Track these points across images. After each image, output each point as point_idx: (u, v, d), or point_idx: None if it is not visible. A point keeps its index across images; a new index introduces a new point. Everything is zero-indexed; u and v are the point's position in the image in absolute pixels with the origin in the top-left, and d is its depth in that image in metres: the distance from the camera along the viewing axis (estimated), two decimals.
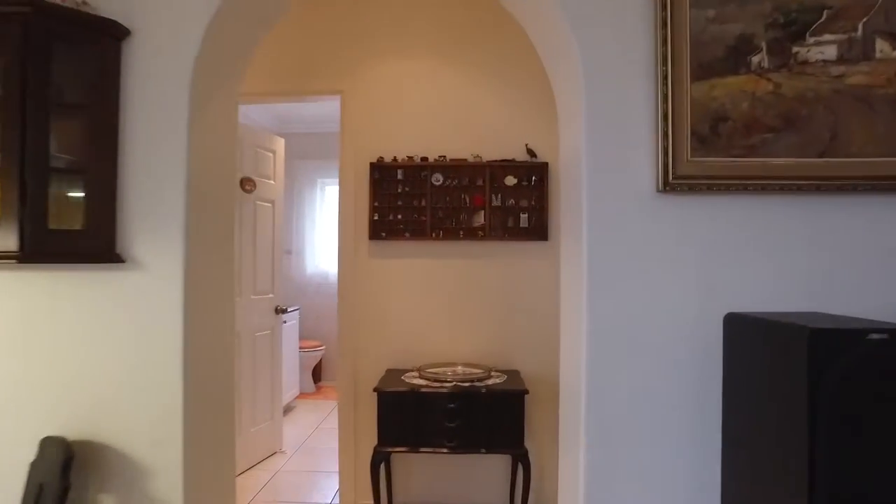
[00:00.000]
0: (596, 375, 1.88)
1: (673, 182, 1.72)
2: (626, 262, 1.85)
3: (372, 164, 3.47)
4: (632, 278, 1.85)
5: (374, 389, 3.02)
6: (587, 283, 1.87)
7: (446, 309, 3.48)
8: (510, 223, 3.43)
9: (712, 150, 1.67)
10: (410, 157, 3.47)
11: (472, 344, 3.46)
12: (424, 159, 3.46)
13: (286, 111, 6.13)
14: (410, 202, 3.46)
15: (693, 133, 1.68)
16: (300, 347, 5.98)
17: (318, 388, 6.49)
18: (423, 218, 3.44)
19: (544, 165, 3.41)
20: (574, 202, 2.02)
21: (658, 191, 1.78)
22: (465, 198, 3.45)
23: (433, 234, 3.43)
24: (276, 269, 4.47)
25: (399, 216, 3.46)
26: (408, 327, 3.50)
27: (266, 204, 4.36)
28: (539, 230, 3.41)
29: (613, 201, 1.86)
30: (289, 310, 5.48)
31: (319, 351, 6.29)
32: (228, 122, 2.34)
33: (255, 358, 4.20)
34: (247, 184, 4.11)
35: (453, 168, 3.45)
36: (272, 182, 4.45)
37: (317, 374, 6.68)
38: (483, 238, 3.41)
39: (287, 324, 5.43)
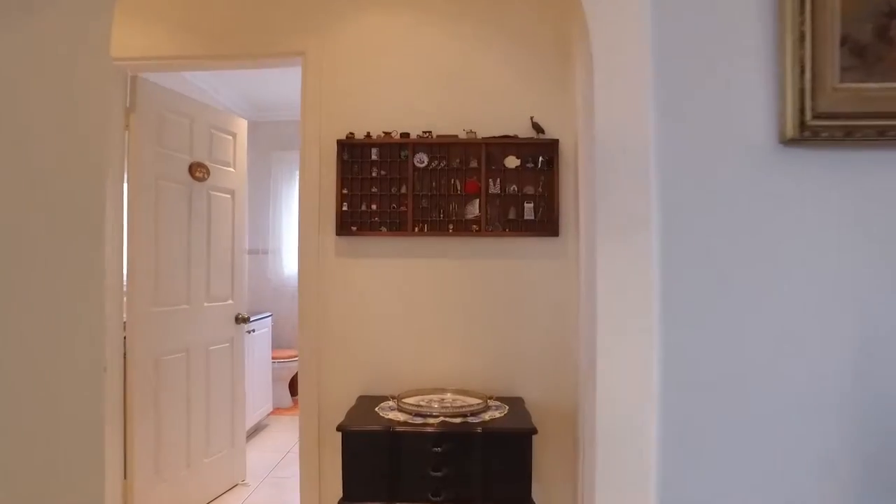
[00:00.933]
0: (671, 454, 1.17)
1: (812, 125, 1.00)
2: (723, 269, 1.16)
3: (340, 143, 2.74)
4: (732, 296, 1.15)
5: (339, 428, 2.30)
6: (660, 304, 1.16)
7: (432, 321, 2.75)
8: (512, 215, 2.70)
9: (877, 69, 0.96)
10: (388, 133, 2.74)
11: (464, 365, 2.74)
12: (405, 136, 2.73)
13: (261, 94, 5.39)
14: (388, 189, 2.72)
15: (845, 41, 0.97)
16: (273, 358, 5.26)
17: (296, 402, 5.76)
18: (404, 208, 2.71)
19: (554, 144, 2.69)
20: (625, 182, 1.29)
21: (782, 142, 1.07)
22: (455, 183, 2.72)
23: (416, 229, 2.70)
24: (236, 271, 3.75)
25: (373, 206, 2.73)
26: (385, 343, 2.77)
27: (223, 195, 3.64)
28: (547, 224, 2.68)
29: (705, 170, 1.16)
30: (256, 318, 4.75)
31: (296, 361, 5.57)
32: (86, 46, 1.50)
33: (208, 376, 3.48)
34: (197, 170, 3.39)
35: (441, 147, 2.72)
36: (231, 170, 3.72)
37: (294, 386, 5.95)
38: (478, 233, 2.68)
39: (255, 333, 4.71)
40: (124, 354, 2.94)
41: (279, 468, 4.13)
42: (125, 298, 2.96)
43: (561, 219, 2.69)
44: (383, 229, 2.71)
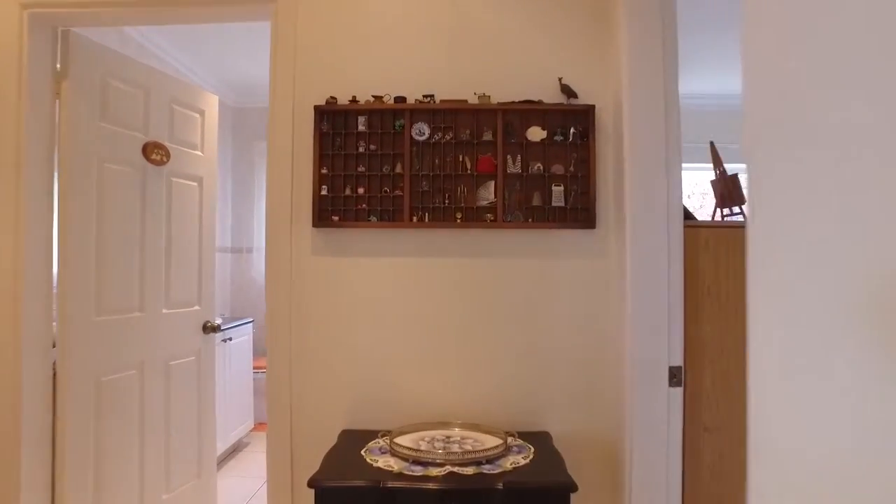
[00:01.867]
0: None
1: None
2: None
3: (319, 109, 2.11)
4: None
5: (311, 483, 1.69)
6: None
7: (435, 335, 2.13)
8: (536, 201, 2.09)
9: None
10: (378, 98, 2.12)
11: (475, 390, 2.12)
12: (400, 101, 2.11)
13: (242, 76, 4.78)
14: (379, 167, 2.10)
15: None
16: (255, 368, 4.65)
17: None
18: (399, 193, 2.09)
19: (588, 111, 2.07)
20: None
21: None
22: (464, 161, 2.10)
23: (414, 219, 2.08)
24: (204, 272, 3.14)
25: (360, 190, 2.11)
26: (375, 363, 2.14)
27: (188, 183, 3.03)
28: (581, 213, 2.06)
29: None
30: (234, 324, 4.15)
31: None
32: None
33: (168, 397, 2.87)
34: (154, 151, 2.78)
35: (446, 115, 2.10)
36: (198, 153, 3.12)
37: None
38: (493, 224, 2.06)
39: (233, 342, 4.10)
40: (55, 373, 2.35)
41: (259, 498, 3.52)
42: (55, 305, 2.36)
43: (599, 206, 2.09)
44: (373, 219, 2.10)
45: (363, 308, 2.15)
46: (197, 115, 3.11)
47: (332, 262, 2.16)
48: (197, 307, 3.07)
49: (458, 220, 2.07)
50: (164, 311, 2.84)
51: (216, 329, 3.13)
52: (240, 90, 5.11)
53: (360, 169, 2.10)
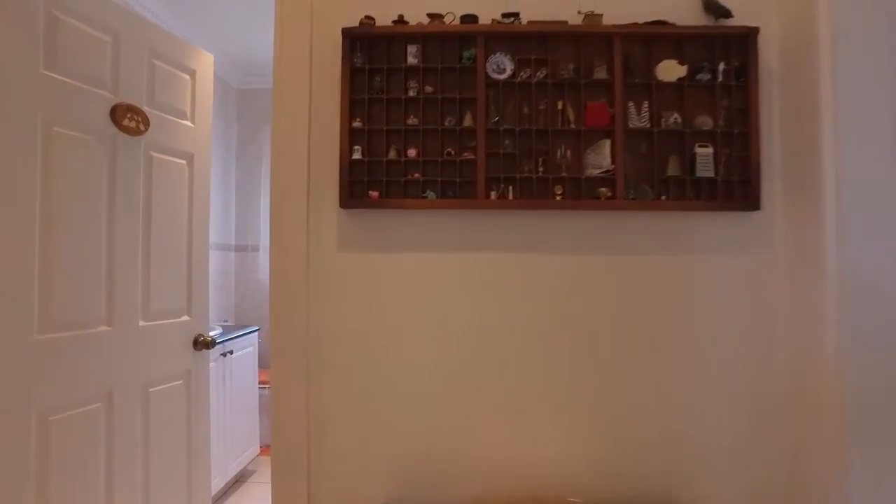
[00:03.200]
0: None
1: None
2: None
3: (349, 34, 1.38)
4: None
5: None
6: None
7: (524, 368, 1.40)
8: (672, 168, 1.35)
9: None
10: (437, 17, 1.39)
11: (580, 449, 1.39)
12: (470, 20, 1.39)
13: (248, 52, 4.08)
14: (439, 119, 1.38)
15: None
16: (260, 383, 3.94)
17: None
18: (470, 156, 1.37)
19: (748, 37, 1.34)
20: None
21: None
22: (565, 110, 1.37)
23: (493, 195, 1.36)
24: (195, 273, 2.44)
25: (411, 152, 1.38)
26: (430, 408, 1.42)
27: (175, 161, 2.34)
28: (740, 186, 1.35)
29: None
30: (238, 334, 3.45)
31: None
32: None
33: (147, 433, 2.17)
34: (126, 116, 2.08)
35: (537, 42, 1.38)
36: (188, 124, 2.41)
37: None
38: (610, 204, 1.34)
39: (235, 355, 3.40)
40: None
41: None
42: None
43: (764, 178, 1.39)
44: (430, 196, 1.38)
45: (414, 328, 1.44)
46: (186, 77, 2.40)
47: (368, 260, 1.45)
48: (186, 317, 2.37)
49: (558, 197, 1.36)
50: (142, 323, 2.14)
51: (210, 344, 2.43)
52: (246, 68, 4.41)
53: (410, 122, 1.39)
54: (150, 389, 2.17)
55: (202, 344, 2.39)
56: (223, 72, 4.31)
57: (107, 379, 1.97)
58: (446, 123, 1.38)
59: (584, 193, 1.36)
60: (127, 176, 2.06)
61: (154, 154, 2.19)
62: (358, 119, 1.39)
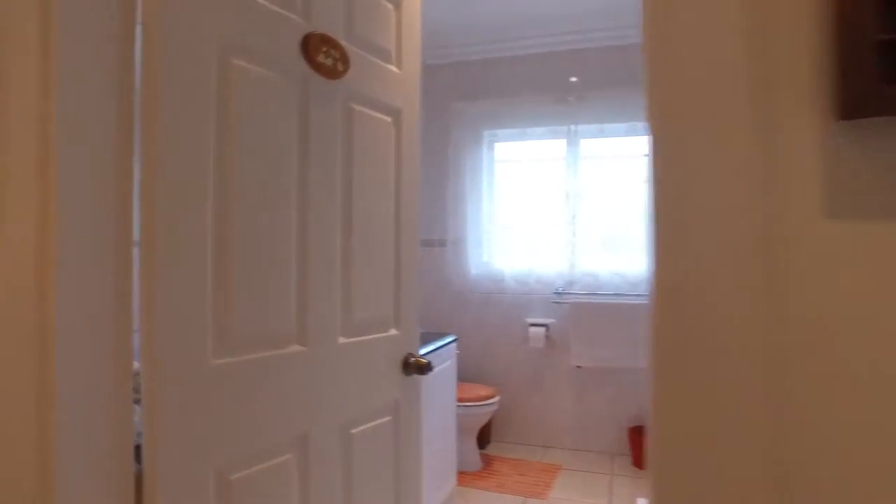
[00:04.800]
0: None
1: None
2: None
3: None
4: None
5: None
6: None
7: None
8: None
9: None
10: None
11: None
12: None
13: (430, 20, 3.48)
14: None
15: None
16: (459, 401, 3.31)
17: (487, 463, 3.76)
18: None
19: None
20: None
21: None
22: None
23: None
24: (404, 270, 1.80)
25: None
26: None
27: (379, 117, 1.71)
28: None
29: None
30: (434, 346, 2.81)
31: (490, 405, 3.56)
32: None
33: (350, 490, 1.56)
34: (321, 49, 1.48)
35: None
36: (394, 70, 1.78)
37: (484, 438, 3.98)
38: None
39: (434, 371, 2.77)
40: (140, 471, 1.10)
41: None
42: (139, 337, 1.12)
43: None
44: None
45: None
46: (390, 6, 1.76)
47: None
48: (393, 330, 1.72)
49: None
50: (341, 340, 1.52)
51: (425, 368, 1.75)
52: (428, 41, 3.83)
53: None
54: (352, 430, 1.54)
55: (414, 367, 1.72)
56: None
57: (299, 417, 1.34)
58: None
59: None
60: (322, 135, 1.43)
61: (354, 106, 1.55)
62: None
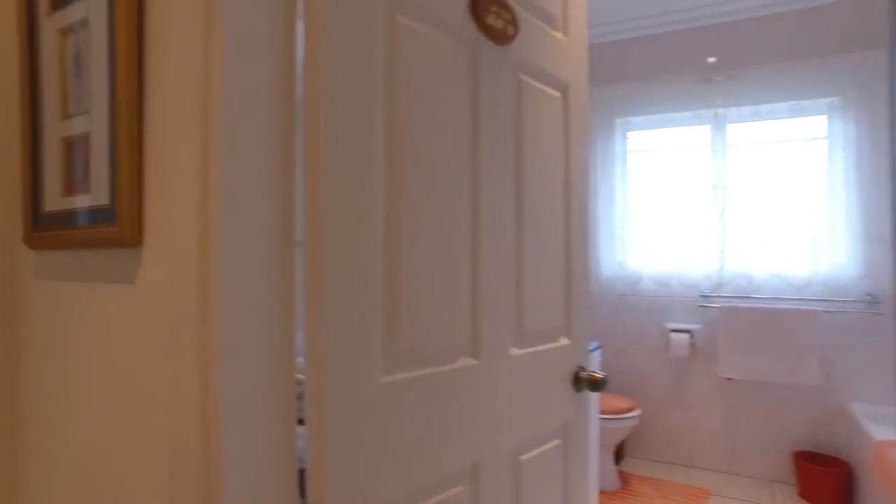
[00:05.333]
0: None
1: None
2: None
3: None
4: None
5: None
6: None
7: None
8: None
9: None
10: None
11: None
12: None
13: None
14: None
15: None
16: (602, 413, 2.99)
17: (625, 482, 3.41)
18: None
19: None
20: None
21: None
22: None
23: None
24: (574, 271, 1.54)
25: None
26: None
27: (547, 91, 1.46)
28: None
29: None
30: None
31: (631, 418, 3.21)
32: None
33: None
34: (491, 9, 1.26)
35: None
36: (560, 37, 1.53)
37: (617, 451, 3.63)
38: None
39: None
40: None
41: None
42: (305, 357, 0.95)
43: None
44: None
45: None
46: None
47: None
48: (564, 340, 1.47)
49: None
50: (514, 351, 1.30)
51: (600, 384, 1.49)
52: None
53: None
54: (522, 457, 1.30)
55: (586, 382, 1.46)
56: None
57: (470, 441, 1.11)
58: None
59: None
60: (492, 114, 1.19)
61: (523, 78, 1.32)
62: None
